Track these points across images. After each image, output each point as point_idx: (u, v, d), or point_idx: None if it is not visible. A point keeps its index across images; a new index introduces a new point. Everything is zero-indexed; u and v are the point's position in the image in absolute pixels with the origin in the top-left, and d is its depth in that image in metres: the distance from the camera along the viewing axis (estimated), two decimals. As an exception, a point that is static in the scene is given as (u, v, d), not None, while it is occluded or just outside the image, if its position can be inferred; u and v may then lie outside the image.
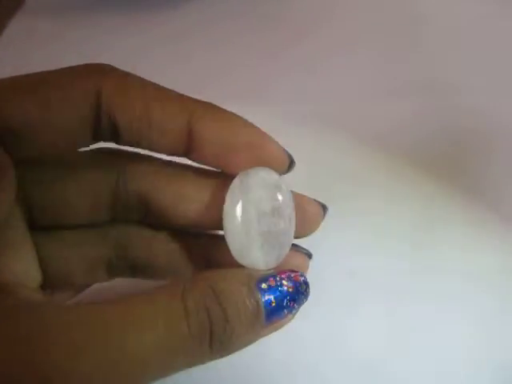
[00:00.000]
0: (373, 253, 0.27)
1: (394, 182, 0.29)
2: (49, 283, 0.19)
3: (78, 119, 0.17)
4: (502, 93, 0.33)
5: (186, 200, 0.19)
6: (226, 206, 0.18)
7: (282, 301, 0.17)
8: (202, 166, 0.19)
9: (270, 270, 0.18)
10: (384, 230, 0.28)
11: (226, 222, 0.18)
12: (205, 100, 0.18)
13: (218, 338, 0.16)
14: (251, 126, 0.18)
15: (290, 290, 0.17)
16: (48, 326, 0.14)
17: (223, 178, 0.19)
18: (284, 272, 0.17)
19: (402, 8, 0.39)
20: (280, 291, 0.17)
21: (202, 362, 0.16)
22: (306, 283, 0.18)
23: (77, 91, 0.17)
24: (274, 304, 0.17)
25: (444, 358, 0.24)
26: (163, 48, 0.36)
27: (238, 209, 0.17)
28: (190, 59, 0.35)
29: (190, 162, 0.19)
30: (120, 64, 0.19)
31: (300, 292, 0.17)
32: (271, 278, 0.17)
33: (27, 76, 0.17)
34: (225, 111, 0.18)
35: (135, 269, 0.20)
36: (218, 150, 0.18)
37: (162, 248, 0.20)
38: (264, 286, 0.17)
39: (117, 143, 0.19)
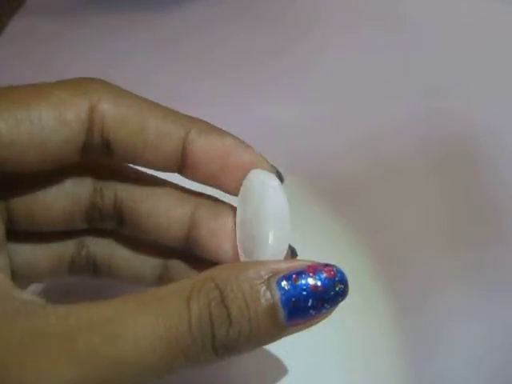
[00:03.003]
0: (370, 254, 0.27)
1: (392, 183, 0.29)
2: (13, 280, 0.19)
3: (69, 138, 0.17)
4: (501, 96, 0.33)
5: (159, 215, 0.19)
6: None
7: (307, 301, 0.15)
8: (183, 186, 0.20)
9: (301, 261, 0.16)
10: (382, 230, 0.28)
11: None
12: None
13: (221, 342, 0.15)
14: (243, 145, 0.19)
15: (318, 289, 0.16)
16: (36, 334, 0.14)
17: (202, 198, 0.20)
18: (314, 267, 0.16)
19: (403, 8, 0.38)
20: (304, 290, 0.15)
21: (208, 364, 0.15)
22: (343, 281, 0.16)
23: (70, 111, 0.17)
24: (295, 304, 0.15)
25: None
26: (163, 48, 0.36)
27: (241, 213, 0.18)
28: (190, 59, 0.35)
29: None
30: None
31: (331, 290, 0.16)
32: (295, 275, 0.16)
33: (19, 89, 0.17)
34: (218, 131, 0.19)
35: (97, 273, 0.21)
36: (210, 169, 0.18)
37: (124, 254, 0.20)
38: (285, 283, 0.15)
39: (108, 161, 0.19)
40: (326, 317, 0.16)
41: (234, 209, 0.19)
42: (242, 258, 0.18)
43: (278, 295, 0.15)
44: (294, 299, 0.15)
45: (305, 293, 0.15)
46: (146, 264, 0.21)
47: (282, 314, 0.15)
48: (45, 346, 0.14)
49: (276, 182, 0.18)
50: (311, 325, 0.16)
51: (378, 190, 0.29)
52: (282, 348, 0.23)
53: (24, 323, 0.14)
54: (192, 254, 0.20)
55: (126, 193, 0.19)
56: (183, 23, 0.38)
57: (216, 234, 0.19)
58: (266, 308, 0.15)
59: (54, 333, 0.14)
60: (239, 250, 0.18)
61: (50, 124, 0.16)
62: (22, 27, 0.39)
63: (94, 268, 0.21)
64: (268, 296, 0.15)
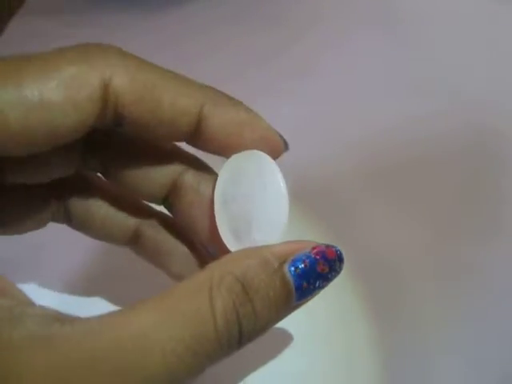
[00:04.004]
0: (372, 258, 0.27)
1: (395, 184, 0.29)
2: None
3: (81, 121, 0.16)
4: (502, 96, 0.33)
5: (143, 176, 0.19)
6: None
7: (315, 283, 0.16)
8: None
9: (304, 243, 0.16)
10: (385, 233, 0.27)
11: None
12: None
13: (247, 338, 0.15)
14: (256, 118, 0.18)
15: (324, 271, 0.16)
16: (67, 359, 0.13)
17: (189, 162, 0.19)
18: (318, 249, 0.16)
19: (402, 10, 0.38)
20: (313, 274, 0.16)
21: (228, 357, 0.15)
22: (341, 258, 0.17)
23: (83, 91, 0.15)
24: (306, 287, 0.16)
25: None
26: (163, 48, 0.36)
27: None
28: (190, 59, 0.35)
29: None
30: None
31: (334, 270, 0.17)
32: (305, 260, 0.16)
33: (26, 61, 0.15)
34: (231, 102, 0.18)
35: (71, 224, 0.21)
36: (224, 144, 0.18)
37: (98, 212, 0.20)
38: (297, 270, 0.16)
39: (119, 133, 0.18)
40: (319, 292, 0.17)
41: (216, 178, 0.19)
42: (230, 239, 0.18)
43: (292, 281, 0.16)
44: (305, 283, 0.16)
45: (314, 275, 0.16)
46: (118, 225, 0.21)
47: (294, 297, 0.16)
48: (71, 375, 0.13)
49: (273, 162, 0.18)
50: (307, 302, 0.17)
51: (381, 191, 0.29)
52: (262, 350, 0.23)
53: (45, 351, 0.13)
54: (167, 220, 0.20)
55: (112, 151, 0.19)
56: (184, 24, 0.38)
57: (194, 206, 0.19)
58: (283, 294, 0.16)
59: (78, 358, 0.13)
60: (223, 231, 0.18)
61: (61, 107, 0.15)
62: (22, 27, 0.39)
63: (68, 220, 0.21)
64: (283, 282, 0.16)
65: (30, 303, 0.15)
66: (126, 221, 0.21)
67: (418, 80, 0.34)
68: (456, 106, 0.32)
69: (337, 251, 0.17)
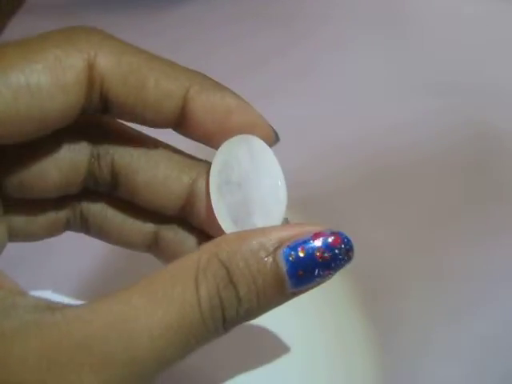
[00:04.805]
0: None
1: (394, 185, 0.29)
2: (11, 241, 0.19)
3: (69, 103, 0.16)
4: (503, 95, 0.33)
5: (156, 187, 0.19)
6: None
7: (313, 271, 0.15)
8: (182, 153, 0.19)
9: (305, 228, 0.15)
10: (384, 234, 0.27)
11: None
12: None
13: (231, 322, 0.15)
14: (244, 105, 0.18)
15: (325, 259, 0.15)
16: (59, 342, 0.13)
17: (201, 166, 0.19)
18: (320, 235, 0.15)
19: (402, 7, 0.38)
20: (311, 261, 0.15)
21: (216, 339, 0.15)
22: (349, 246, 0.15)
23: (69, 73, 0.16)
24: (302, 274, 0.15)
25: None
26: (162, 47, 0.36)
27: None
28: (191, 58, 0.35)
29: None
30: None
31: (339, 258, 0.15)
32: (302, 246, 0.15)
33: (9, 48, 0.15)
34: (218, 87, 0.18)
35: (89, 232, 0.20)
36: (209, 129, 0.18)
37: (115, 219, 0.20)
38: (291, 254, 0.15)
39: (104, 118, 0.18)
40: (329, 279, 0.16)
41: None
42: (230, 226, 0.17)
43: (284, 267, 0.15)
44: (300, 270, 0.15)
45: (311, 263, 0.15)
46: (137, 231, 0.20)
47: (288, 284, 0.15)
48: (63, 360, 0.13)
49: (266, 146, 0.18)
50: (314, 287, 0.16)
51: (367, 194, 0.29)
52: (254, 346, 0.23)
53: (37, 339, 0.13)
54: (185, 223, 0.20)
55: (122, 160, 0.19)
56: (185, 23, 0.38)
57: (212, 211, 0.18)
58: (273, 281, 0.15)
59: (69, 344, 0.13)
60: (222, 218, 0.17)
61: (48, 90, 0.15)
62: (22, 27, 0.39)
63: (86, 229, 0.20)
64: (274, 269, 0.15)
65: (21, 293, 0.15)
66: (143, 226, 0.20)
67: (417, 81, 0.34)
68: (456, 107, 0.32)
69: (343, 238, 0.15)
